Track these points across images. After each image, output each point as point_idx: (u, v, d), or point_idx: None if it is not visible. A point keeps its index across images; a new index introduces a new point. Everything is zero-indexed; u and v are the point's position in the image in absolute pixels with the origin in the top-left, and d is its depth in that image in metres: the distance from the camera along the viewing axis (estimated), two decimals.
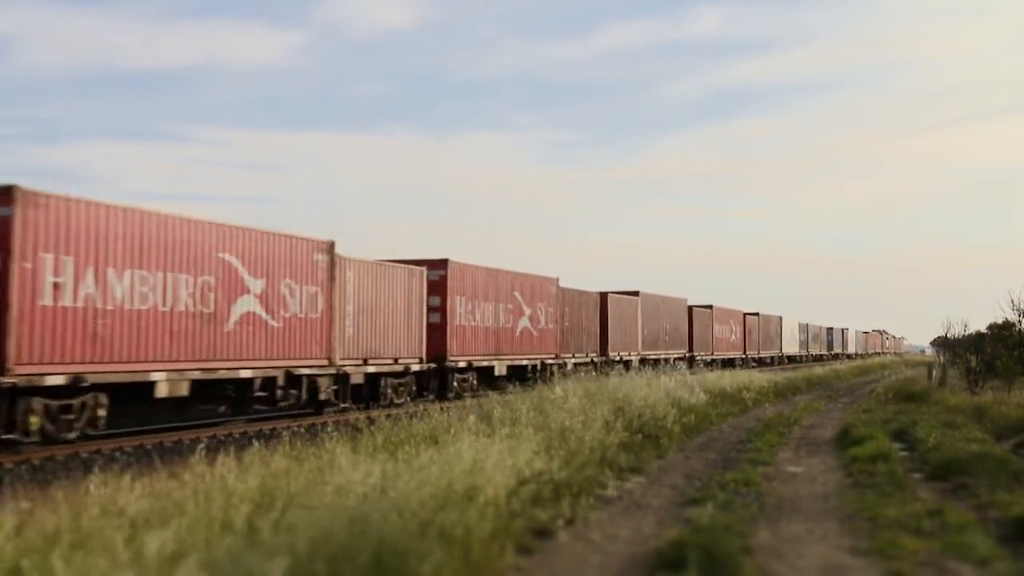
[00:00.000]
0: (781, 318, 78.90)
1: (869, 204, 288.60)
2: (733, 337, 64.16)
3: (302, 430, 19.08)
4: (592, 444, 11.66)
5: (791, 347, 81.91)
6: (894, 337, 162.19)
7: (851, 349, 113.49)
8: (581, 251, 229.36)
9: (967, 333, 38.63)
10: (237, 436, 19.27)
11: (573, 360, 38.17)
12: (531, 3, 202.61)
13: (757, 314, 70.95)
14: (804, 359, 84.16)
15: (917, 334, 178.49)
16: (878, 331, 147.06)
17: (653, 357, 44.43)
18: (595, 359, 40.84)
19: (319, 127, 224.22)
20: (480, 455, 8.86)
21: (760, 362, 69.25)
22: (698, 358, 52.45)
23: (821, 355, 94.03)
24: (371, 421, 13.89)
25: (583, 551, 7.40)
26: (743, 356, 65.11)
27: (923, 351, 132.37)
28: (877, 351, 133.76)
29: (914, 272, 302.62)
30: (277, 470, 9.14)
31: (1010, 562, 7.06)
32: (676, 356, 48.70)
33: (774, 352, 75.51)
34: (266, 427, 20.78)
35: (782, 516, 8.95)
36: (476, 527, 6.64)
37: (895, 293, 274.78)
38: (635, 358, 43.15)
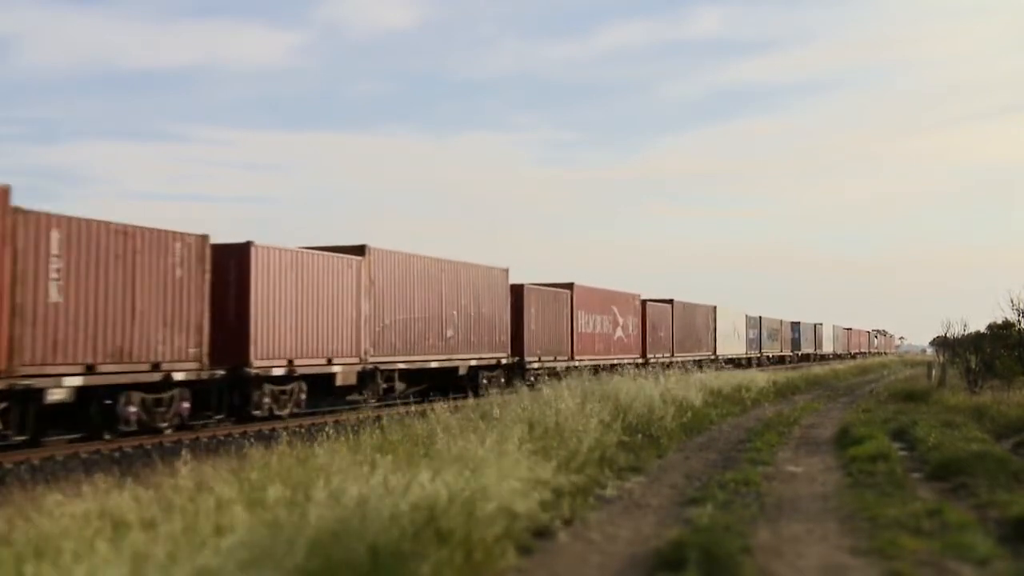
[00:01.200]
0: (715, 308, 59.25)
1: (869, 204, 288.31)
2: (619, 334, 43.71)
3: (302, 430, 19.07)
4: (591, 444, 11.66)
5: (732, 346, 62.19)
6: (885, 335, 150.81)
7: (828, 349, 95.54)
8: (581, 251, 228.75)
9: (967, 333, 38.63)
10: (236, 436, 19.26)
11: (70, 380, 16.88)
12: (531, 3, 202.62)
13: (670, 301, 51.26)
14: (756, 362, 64.78)
15: (917, 334, 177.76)
16: (878, 330, 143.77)
17: (405, 365, 26.65)
18: (192, 374, 19.53)
19: (319, 127, 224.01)
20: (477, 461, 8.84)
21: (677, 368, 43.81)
22: (535, 365, 34.18)
23: (783, 357, 76.58)
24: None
25: (583, 551, 7.40)
26: (639, 360, 43.05)
27: (924, 351, 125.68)
28: (863, 351, 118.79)
29: (914, 272, 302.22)
30: (275, 470, 9.13)
31: (1010, 562, 7.05)
32: (478, 362, 30.51)
33: (702, 354, 54.65)
34: (266, 427, 20.77)
35: (782, 516, 8.95)
36: (482, 532, 6.62)
37: (895, 293, 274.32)
38: (346, 368, 24.19)
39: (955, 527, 8.07)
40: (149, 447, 17.59)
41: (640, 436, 14.47)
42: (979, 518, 8.68)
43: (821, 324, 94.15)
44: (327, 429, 13.01)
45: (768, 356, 71.64)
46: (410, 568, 5.71)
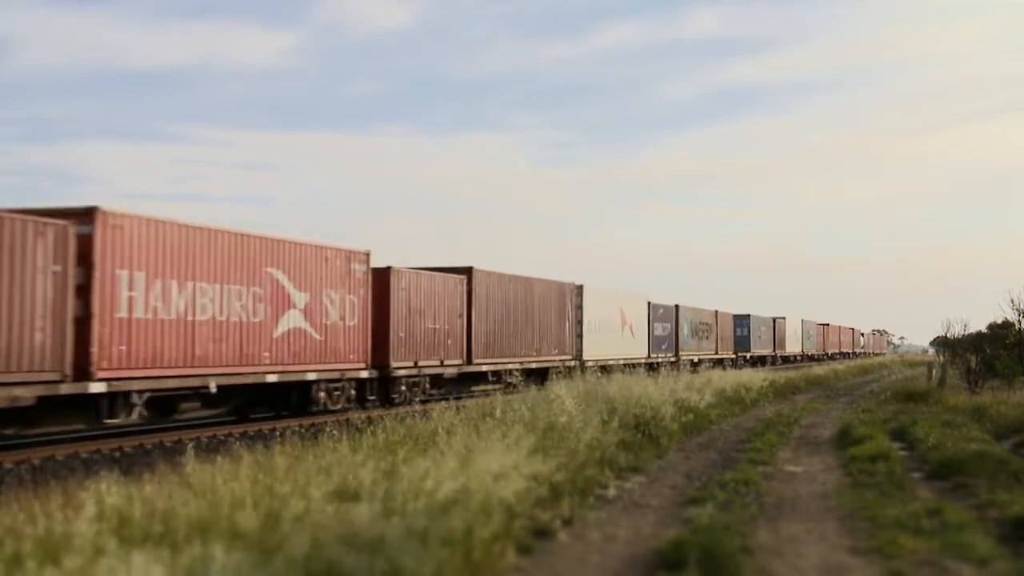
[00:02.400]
0: (580, 288, 37.77)
1: (869, 204, 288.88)
2: (297, 323, 21.90)
3: (303, 429, 19.06)
4: (591, 443, 11.66)
5: (615, 346, 40.90)
6: (880, 333, 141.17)
7: (794, 349, 76.76)
8: (581, 252, 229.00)
9: (967, 333, 38.64)
10: (237, 435, 19.25)
11: None
12: (528, 3, 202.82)
13: (467, 271, 29.44)
14: (675, 366, 40.32)
15: (917, 334, 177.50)
16: (876, 329, 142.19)
17: None
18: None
19: (318, 127, 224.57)
20: (477, 459, 8.85)
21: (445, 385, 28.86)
22: None
23: (721, 360, 54.61)
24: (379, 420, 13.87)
25: (583, 551, 7.40)
26: (361, 369, 24.11)
27: (924, 351, 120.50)
28: (845, 351, 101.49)
29: (914, 272, 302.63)
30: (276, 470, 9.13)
31: (1009, 561, 7.06)
32: None
33: (551, 359, 34.25)
34: (266, 427, 20.77)
35: (782, 516, 8.96)
36: (480, 529, 6.63)
37: (895, 293, 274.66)
38: None
39: (955, 527, 8.08)
40: (149, 447, 17.60)
41: (640, 436, 14.48)
42: (979, 518, 8.69)
43: (784, 319, 73.90)
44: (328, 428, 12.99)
45: (693, 360, 49.78)
46: (410, 568, 5.71)
